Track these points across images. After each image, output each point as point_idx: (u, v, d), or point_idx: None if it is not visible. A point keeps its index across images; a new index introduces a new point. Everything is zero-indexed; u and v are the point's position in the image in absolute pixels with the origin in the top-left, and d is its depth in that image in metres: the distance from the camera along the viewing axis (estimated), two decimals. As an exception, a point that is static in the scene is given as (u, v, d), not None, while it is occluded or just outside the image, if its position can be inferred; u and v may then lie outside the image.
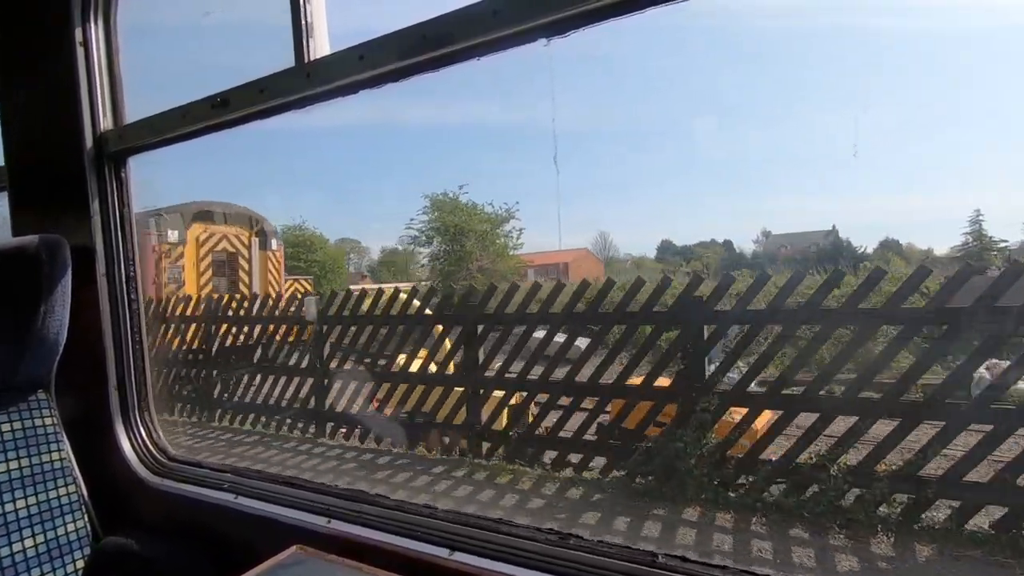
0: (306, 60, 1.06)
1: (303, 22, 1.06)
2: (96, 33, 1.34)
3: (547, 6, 0.79)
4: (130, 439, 1.38)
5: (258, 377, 6.28)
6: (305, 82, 1.06)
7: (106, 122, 1.36)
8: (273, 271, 11.16)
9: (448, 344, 5.31)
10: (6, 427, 1.13)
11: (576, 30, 0.80)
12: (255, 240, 10.73)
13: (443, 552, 0.92)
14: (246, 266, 10.60)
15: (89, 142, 1.35)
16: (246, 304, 6.68)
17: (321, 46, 1.07)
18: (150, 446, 1.39)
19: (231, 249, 10.46)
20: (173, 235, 9.34)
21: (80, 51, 1.32)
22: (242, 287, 10.34)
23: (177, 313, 7.03)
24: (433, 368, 5.22)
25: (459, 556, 0.91)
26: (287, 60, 1.08)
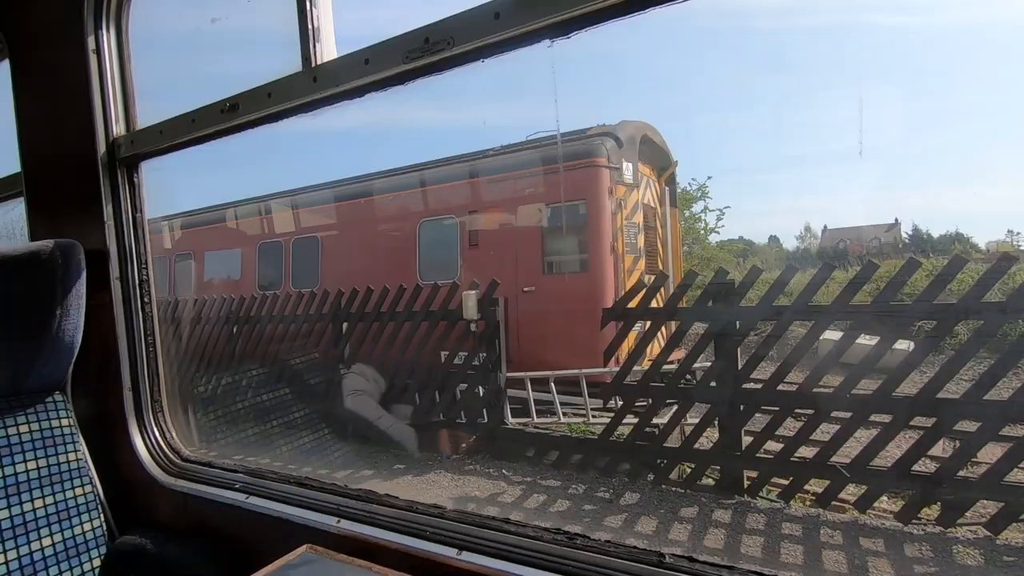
0: (313, 64, 1.07)
1: (310, 27, 1.07)
2: (108, 41, 1.36)
3: (548, 8, 0.79)
4: (144, 440, 1.40)
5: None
6: (312, 86, 1.07)
7: (118, 128, 1.39)
8: (677, 241, 6.83)
9: None
10: (24, 428, 1.15)
11: (579, 31, 0.80)
12: (666, 191, 6.45)
13: (451, 552, 0.93)
14: (660, 232, 6.41)
15: (102, 148, 1.37)
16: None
17: (328, 50, 1.08)
18: (163, 446, 1.41)
19: (650, 204, 6.24)
20: (628, 170, 5.60)
21: (93, 59, 1.34)
22: (660, 265, 6.33)
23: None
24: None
25: (467, 556, 0.91)
26: (294, 65, 1.09)
